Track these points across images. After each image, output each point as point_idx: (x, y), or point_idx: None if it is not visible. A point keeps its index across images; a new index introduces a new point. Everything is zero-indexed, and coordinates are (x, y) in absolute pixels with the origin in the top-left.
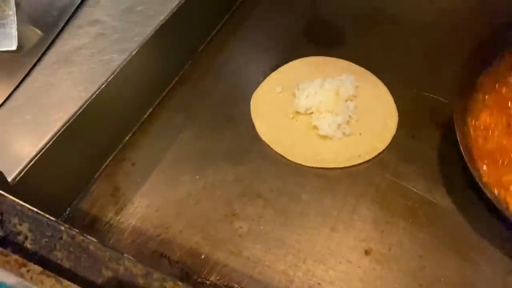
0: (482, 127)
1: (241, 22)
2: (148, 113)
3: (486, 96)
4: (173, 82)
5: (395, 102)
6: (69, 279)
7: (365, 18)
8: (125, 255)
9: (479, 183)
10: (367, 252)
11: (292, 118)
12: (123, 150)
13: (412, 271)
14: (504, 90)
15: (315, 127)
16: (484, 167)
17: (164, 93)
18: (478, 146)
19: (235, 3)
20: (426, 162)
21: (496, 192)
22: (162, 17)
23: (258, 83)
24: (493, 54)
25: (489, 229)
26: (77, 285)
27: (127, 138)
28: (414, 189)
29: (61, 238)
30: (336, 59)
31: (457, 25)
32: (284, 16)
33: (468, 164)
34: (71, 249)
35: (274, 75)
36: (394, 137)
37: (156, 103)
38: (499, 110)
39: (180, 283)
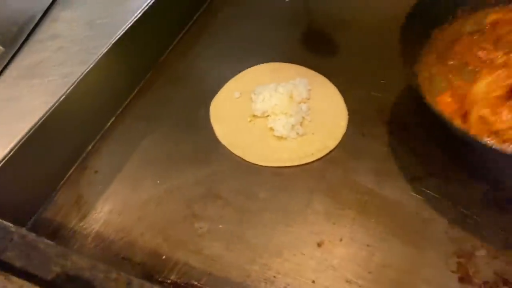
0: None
1: (201, 31)
2: (110, 121)
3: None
4: (135, 91)
5: (345, 102)
6: (20, 277)
7: (317, 25)
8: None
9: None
10: (319, 244)
11: (250, 121)
12: (86, 159)
13: (362, 259)
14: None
15: (271, 129)
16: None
17: (126, 102)
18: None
19: (195, 13)
20: (375, 157)
21: None
22: (121, 29)
23: (218, 89)
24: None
25: (433, 217)
26: (28, 282)
27: (90, 147)
28: (364, 183)
29: (11, 239)
30: (290, 64)
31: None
32: (243, 24)
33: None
34: (22, 248)
35: (232, 81)
36: (345, 135)
37: (118, 112)
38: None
39: (122, 273)
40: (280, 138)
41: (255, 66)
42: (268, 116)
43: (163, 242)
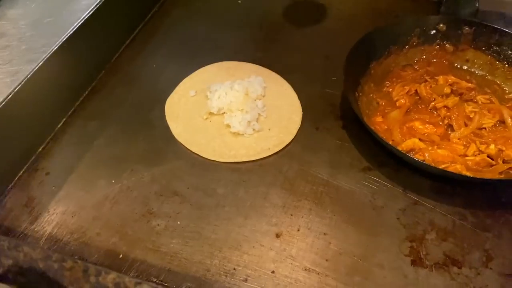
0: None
1: (155, 31)
2: (62, 122)
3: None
4: (87, 91)
5: (300, 99)
6: None
7: (271, 25)
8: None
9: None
10: (278, 235)
11: (206, 118)
12: (36, 160)
13: (319, 248)
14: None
15: (228, 126)
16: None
17: (77, 102)
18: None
19: (148, 13)
20: (329, 150)
21: None
22: (71, 28)
23: (172, 88)
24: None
25: (385, 205)
26: None
27: (41, 148)
28: (319, 175)
29: None
30: (245, 63)
31: (352, 29)
32: (196, 24)
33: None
34: None
35: (187, 79)
36: (300, 130)
37: (70, 112)
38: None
39: (79, 261)
40: (236, 134)
41: (210, 64)
42: (224, 113)
43: (120, 241)
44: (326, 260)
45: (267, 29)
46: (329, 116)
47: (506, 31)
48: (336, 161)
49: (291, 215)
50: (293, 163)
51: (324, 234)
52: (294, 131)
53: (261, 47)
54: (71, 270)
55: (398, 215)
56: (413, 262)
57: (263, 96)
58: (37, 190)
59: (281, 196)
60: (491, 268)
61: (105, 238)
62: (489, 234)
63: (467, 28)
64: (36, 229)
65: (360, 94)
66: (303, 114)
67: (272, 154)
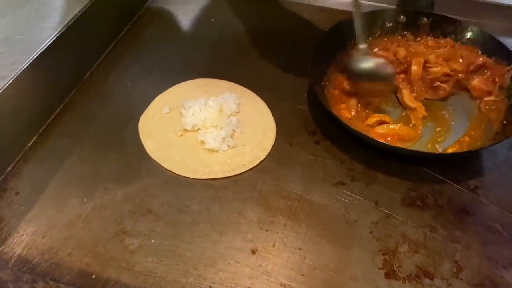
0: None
1: (128, 48)
2: (32, 140)
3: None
4: (58, 109)
5: (273, 115)
6: None
7: (244, 42)
8: None
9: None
10: (253, 251)
11: (180, 135)
12: (5, 180)
13: (295, 263)
14: None
15: (202, 142)
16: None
17: (49, 120)
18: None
19: (121, 30)
20: (302, 165)
21: None
22: (41, 46)
23: (145, 106)
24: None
25: (358, 219)
26: None
27: (10, 167)
28: (293, 190)
29: None
30: (219, 80)
31: None
32: (169, 42)
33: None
34: None
35: (161, 96)
36: (274, 146)
37: (41, 130)
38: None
39: (51, 282)
40: (211, 151)
41: (184, 82)
42: (198, 129)
43: (93, 261)
44: (302, 275)
45: (240, 46)
46: (302, 132)
47: (459, 20)
48: (309, 176)
49: (267, 230)
50: (267, 179)
51: (299, 249)
52: (269, 147)
53: (234, 64)
54: None
55: (371, 228)
56: (387, 275)
57: (237, 112)
58: (6, 210)
59: (256, 212)
60: (461, 279)
61: (78, 258)
62: (459, 245)
63: (425, 19)
64: (5, 250)
65: (327, 83)
66: (277, 130)
67: (247, 170)
